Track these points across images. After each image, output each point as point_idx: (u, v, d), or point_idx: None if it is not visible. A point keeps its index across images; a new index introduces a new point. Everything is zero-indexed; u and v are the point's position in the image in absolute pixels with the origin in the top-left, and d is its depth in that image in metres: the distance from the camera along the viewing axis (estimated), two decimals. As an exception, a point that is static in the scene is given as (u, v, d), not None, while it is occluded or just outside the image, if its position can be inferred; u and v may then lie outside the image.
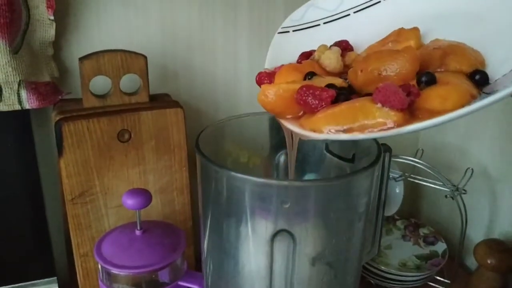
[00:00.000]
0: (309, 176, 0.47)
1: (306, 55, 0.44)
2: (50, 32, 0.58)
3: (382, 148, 0.37)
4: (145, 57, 0.58)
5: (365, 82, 0.36)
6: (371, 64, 0.36)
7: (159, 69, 0.67)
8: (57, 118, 0.55)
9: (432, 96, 0.32)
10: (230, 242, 0.38)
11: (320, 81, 0.37)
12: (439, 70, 0.35)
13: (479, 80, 0.33)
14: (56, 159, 0.63)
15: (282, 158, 0.45)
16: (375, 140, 0.38)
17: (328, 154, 0.42)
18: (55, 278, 0.66)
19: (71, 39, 0.62)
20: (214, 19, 0.68)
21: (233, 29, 0.70)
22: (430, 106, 0.31)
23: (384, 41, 0.41)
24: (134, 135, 0.58)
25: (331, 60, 0.41)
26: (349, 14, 0.48)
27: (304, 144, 0.44)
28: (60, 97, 0.59)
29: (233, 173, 0.34)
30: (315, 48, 0.43)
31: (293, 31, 0.48)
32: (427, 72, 0.33)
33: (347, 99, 0.35)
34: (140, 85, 0.60)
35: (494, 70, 0.33)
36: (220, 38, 0.69)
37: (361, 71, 0.36)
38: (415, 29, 0.40)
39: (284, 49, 0.45)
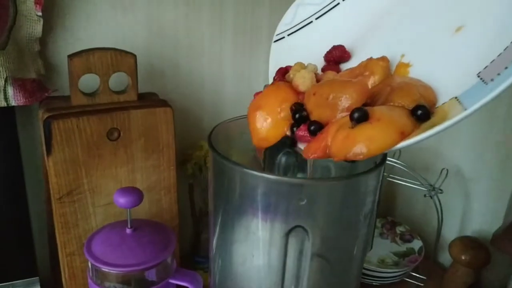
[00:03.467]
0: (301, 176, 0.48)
1: (282, 72, 0.44)
2: (37, 28, 0.57)
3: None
4: (135, 56, 0.58)
5: (315, 104, 0.37)
6: (323, 88, 0.37)
7: (146, 68, 0.67)
8: (46, 116, 0.54)
9: (358, 139, 0.33)
10: (242, 238, 0.39)
11: None
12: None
13: (421, 115, 0.33)
14: (40, 157, 0.62)
15: (284, 158, 0.46)
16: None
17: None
18: (37, 278, 0.65)
19: (58, 37, 0.61)
20: (200, 19, 0.69)
21: (219, 30, 0.70)
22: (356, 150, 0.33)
23: (352, 72, 0.41)
24: (123, 134, 0.58)
25: (305, 80, 0.40)
26: (339, 3, 0.47)
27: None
28: (46, 94, 0.58)
29: (248, 171, 0.34)
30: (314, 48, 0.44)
31: (288, 35, 0.48)
32: (358, 108, 0.34)
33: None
34: (129, 83, 0.60)
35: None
36: (206, 38, 0.70)
37: (314, 94, 0.38)
38: (383, 60, 0.39)
39: (283, 58, 0.46)
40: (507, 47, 0.32)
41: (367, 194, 0.38)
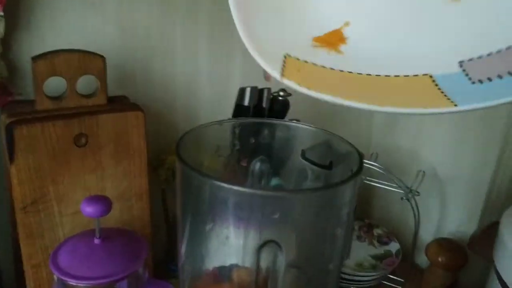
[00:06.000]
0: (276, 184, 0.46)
1: None
2: (-1, 28, 0.54)
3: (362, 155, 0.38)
4: (104, 58, 0.56)
5: None
6: None
7: (116, 70, 0.65)
8: (8, 121, 0.51)
9: None
10: (212, 250, 0.37)
11: None
12: None
13: None
14: (3, 165, 0.59)
15: (257, 165, 0.44)
16: (354, 147, 0.39)
17: (304, 161, 0.42)
18: (2, 291, 0.62)
19: (21, 37, 0.58)
20: (174, 19, 0.67)
21: (194, 31, 0.68)
22: None
23: None
24: (91, 139, 0.55)
25: None
26: None
27: (279, 151, 0.43)
28: (10, 98, 0.55)
29: (217, 183, 0.33)
30: None
31: None
32: None
33: None
34: (98, 86, 0.57)
35: None
36: (180, 40, 0.68)
37: None
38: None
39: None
40: (500, 50, 0.29)
41: (343, 205, 0.36)
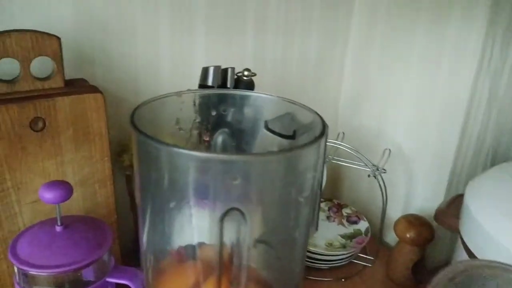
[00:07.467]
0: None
1: None
2: None
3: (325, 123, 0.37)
4: (59, 38, 0.53)
5: None
6: None
7: (74, 52, 0.62)
8: (-43, 106, 0.48)
9: None
10: (174, 230, 0.36)
11: None
12: None
13: None
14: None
15: (220, 138, 0.43)
16: (318, 114, 0.38)
17: (268, 133, 0.41)
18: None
19: (-31, 18, 0.55)
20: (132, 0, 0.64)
21: (154, 11, 0.66)
22: None
23: None
24: (49, 124, 0.53)
25: None
26: None
27: (242, 123, 0.42)
28: (-42, 83, 0.52)
29: (175, 149, 0.31)
30: None
31: None
32: None
33: None
34: (54, 69, 0.55)
35: None
36: (140, 20, 0.66)
37: None
38: None
39: None
40: None
41: (306, 170, 0.35)
